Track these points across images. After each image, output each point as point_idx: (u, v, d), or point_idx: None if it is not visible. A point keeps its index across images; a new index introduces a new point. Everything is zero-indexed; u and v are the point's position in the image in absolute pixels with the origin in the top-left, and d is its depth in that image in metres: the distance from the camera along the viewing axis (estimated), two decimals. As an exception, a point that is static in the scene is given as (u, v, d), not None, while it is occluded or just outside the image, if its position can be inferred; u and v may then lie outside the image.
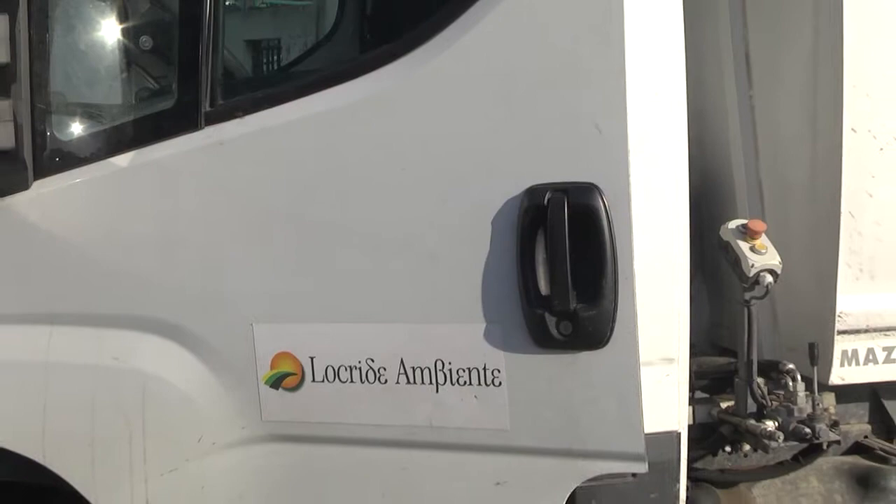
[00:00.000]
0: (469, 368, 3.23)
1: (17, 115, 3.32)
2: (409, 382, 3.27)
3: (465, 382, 3.24)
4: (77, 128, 3.49)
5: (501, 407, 3.22)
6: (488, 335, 3.20)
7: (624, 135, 3.07)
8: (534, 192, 3.12)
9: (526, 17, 3.14)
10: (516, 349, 3.19)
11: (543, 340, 3.15)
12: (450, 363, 3.23)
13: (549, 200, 3.10)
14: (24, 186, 3.35)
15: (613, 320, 3.13)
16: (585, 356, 3.17)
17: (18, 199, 3.36)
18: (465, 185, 3.20)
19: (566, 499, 3.26)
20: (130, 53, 3.61)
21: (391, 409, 3.30)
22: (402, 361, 3.26)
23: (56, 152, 3.40)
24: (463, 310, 3.21)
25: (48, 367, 3.43)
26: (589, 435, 3.24)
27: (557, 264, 3.10)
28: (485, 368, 3.21)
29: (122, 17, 3.62)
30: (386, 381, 3.27)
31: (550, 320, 3.13)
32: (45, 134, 3.38)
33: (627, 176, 3.09)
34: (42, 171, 3.37)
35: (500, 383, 3.20)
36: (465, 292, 3.20)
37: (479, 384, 3.23)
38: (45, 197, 3.37)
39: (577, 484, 3.25)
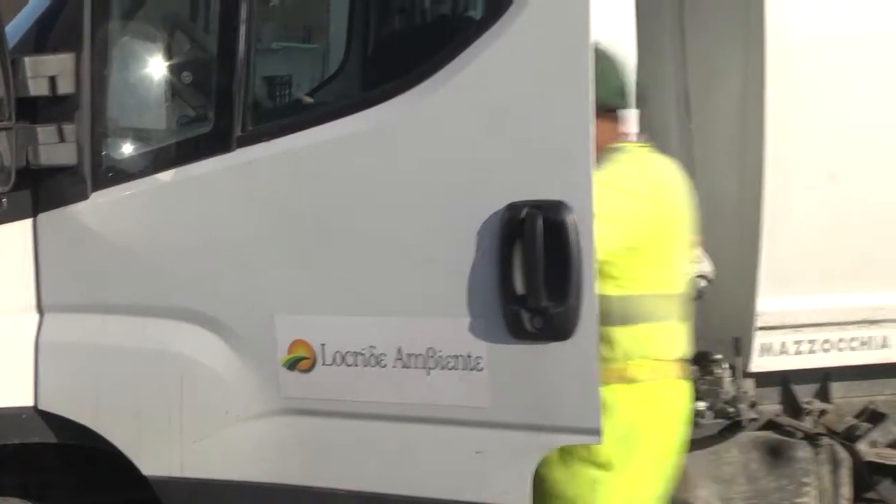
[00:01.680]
0: (455, 355, 3.13)
1: (80, 137, 3.31)
2: (404, 367, 3.18)
3: (452, 367, 3.14)
4: (128, 148, 3.51)
5: (482, 388, 3.14)
6: (472, 327, 3.12)
7: (588, 161, 2.98)
8: (513, 208, 3.02)
9: (509, 63, 3.07)
10: (495, 340, 3.10)
11: (518, 333, 3.06)
12: (439, 351, 3.14)
13: (525, 214, 3.00)
14: (84, 196, 3.35)
15: (577, 317, 3.02)
16: (554, 346, 3.06)
17: (79, 207, 3.37)
18: (456, 201, 3.12)
19: (535, 465, 3.18)
20: (174, 86, 3.62)
21: (389, 389, 3.22)
22: (398, 349, 3.18)
23: (111, 168, 3.40)
24: (451, 305, 3.13)
25: (101, 349, 3.42)
26: (554, 412, 3.15)
27: (532, 268, 3.00)
28: (469, 356, 3.12)
29: (168, 56, 3.63)
30: (385, 365, 3.19)
31: (525, 316, 3.03)
32: (102, 153, 3.38)
33: (591, 195, 3.00)
34: (99, 184, 3.37)
35: (482, 368, 3.12)
36: (454, 291, 3.12)
37: (464, 369, 3.13)
38: (101, 206, 3.37)
39: (544, 453, 3.18)
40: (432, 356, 3.14)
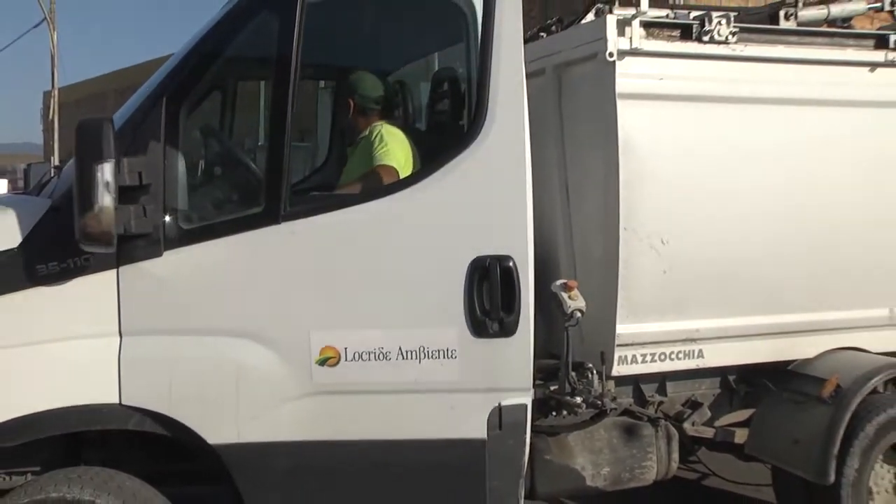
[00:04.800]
0: (438, 349, 3.66)
1: (157, 213, 3.55)
2: (404, 359, 3.64)
3: (435, 357, 3.65)
4: (193, 220, 3.70)
5: (455, 369, 3.68)
6: (449, 332, 3.67)
7: (525, 232, 3.64)
8: (477, 259, 3.67)
9: (476, 172, 3.65)
10: (463, 339, 3.67)
11: (483, 333, 3.65)
12: (427, 347, 3.66)
13: (487, 264, 3.66)
14: (158, 255, 3.57)
15: (517, 323, 3.67)
16: (503, 340, 3.67)
17: (154, 262, 3.57)
18: (443, 256, 3.66)
19: (488, 413, 3.69)
20: (228, 175, 3.93)
21: (393, 374, 3.64)
22: (399, 347, 3.64)
23: (179, 234, 3.60)
24: (437, 318, 3.68)
25: (174, 359, 3.60)
26: (503, 379, 3.72)
27: (492, 294, 3.64)
28: (447, 349, 3.66)
29: (223, 152, 3.99)
30: (390, 359, 3.64)
31: (489, 323, 3.66)
32: (173, 223, 3.59)
33: (527, 252, 3.65)
34: (170, 245, 3.57)
35: (455, 357, 3.67)
36: (440, 310, 3.67)
37: (444, 358, 3.66)
38: (171, 262, 3.57)
39: (496, 405, 3.69)
40: (423, 351, 3.67)
